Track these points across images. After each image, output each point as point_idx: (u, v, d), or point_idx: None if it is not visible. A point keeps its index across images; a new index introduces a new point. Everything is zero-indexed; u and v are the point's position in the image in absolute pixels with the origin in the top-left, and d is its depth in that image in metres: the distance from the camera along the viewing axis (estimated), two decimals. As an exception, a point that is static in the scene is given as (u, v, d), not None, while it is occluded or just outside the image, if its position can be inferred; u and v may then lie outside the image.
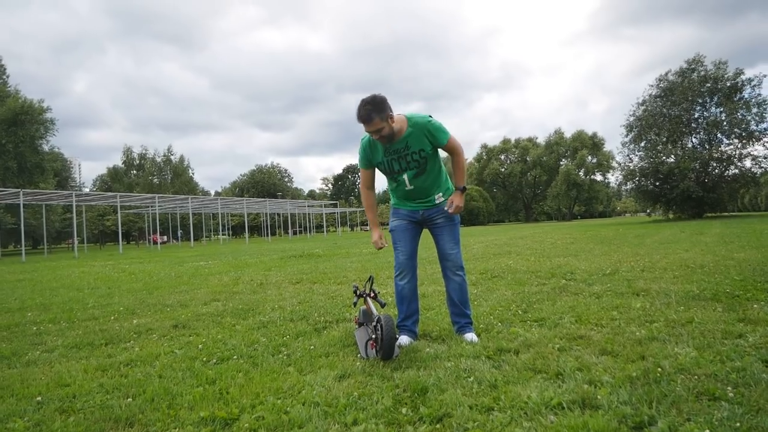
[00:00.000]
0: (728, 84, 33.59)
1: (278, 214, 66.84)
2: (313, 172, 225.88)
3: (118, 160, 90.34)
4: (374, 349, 3.00)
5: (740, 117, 32.93)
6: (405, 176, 3.39)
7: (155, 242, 42.34)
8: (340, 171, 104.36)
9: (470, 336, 3.35)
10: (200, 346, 3.62)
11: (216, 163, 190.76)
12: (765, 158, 32.89)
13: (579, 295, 4.83)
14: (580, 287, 5.31)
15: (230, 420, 2.22)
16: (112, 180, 69.73)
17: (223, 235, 59.86)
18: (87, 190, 66.09)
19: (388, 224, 3.72)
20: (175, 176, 71.79)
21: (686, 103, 34.58)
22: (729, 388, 2.22)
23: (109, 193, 36.76)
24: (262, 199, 49.77)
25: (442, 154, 3.48)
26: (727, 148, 34.10)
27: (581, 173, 73.67)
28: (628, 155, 37.86)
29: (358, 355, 3.11)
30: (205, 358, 3.26)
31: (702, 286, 4.90)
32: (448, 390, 2.41)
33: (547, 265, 7.64)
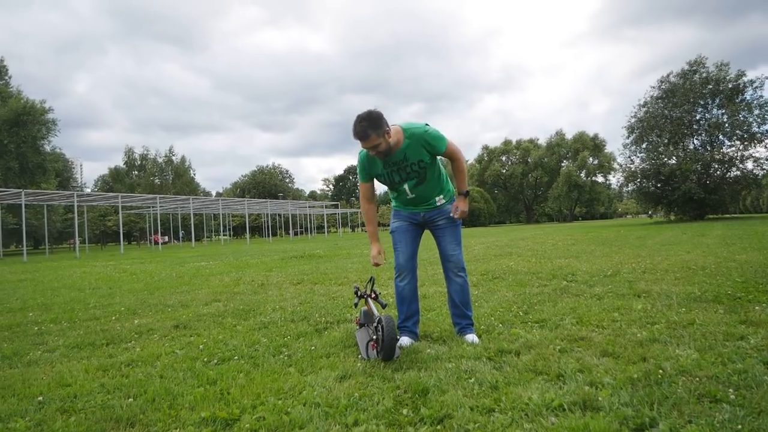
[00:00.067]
0: (730, 86, 33.56)
1: (279, 215, 66.86)
2: (314, 172, 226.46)
3: (119, 161, 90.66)
4: (375, 350, 3.00)
5: (742, 119, 32.90)
6: (406, 186, 3.39)
7: (156, 242, 42.39)
8: (341, 172, 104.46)
9: (471, 337, 3.35)
10: (201, 346, 3.62)
11: (217, 164, 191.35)
12: (767, 160, 32.85)
13: (580, 297, 4.82)
14: (582, 289, 5.31)
15: (231, 420, 2.22)
16: (114, 180, 69.85)
17: (224, 235, 59.89)
18: (88, 190, 66.22)
19: (388, 225, 3.72)
20: (176, 177, 71.89)
21: (688, 105, 34.56)
22: (730, 390, 2.22)
23: (111, 194, 36.83)
24: (263, 200, 49.81)
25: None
26: (728, 150, 34.07)
27: (582, 175, 73.72)
28: (629, 157, 37.86)
29: (359, 356, 3.11)
30: (206, 359, 3.26)
31: (703, 287, 4.89)
32: (449, 391, 2.41)
33: (548, 267, 7.64)
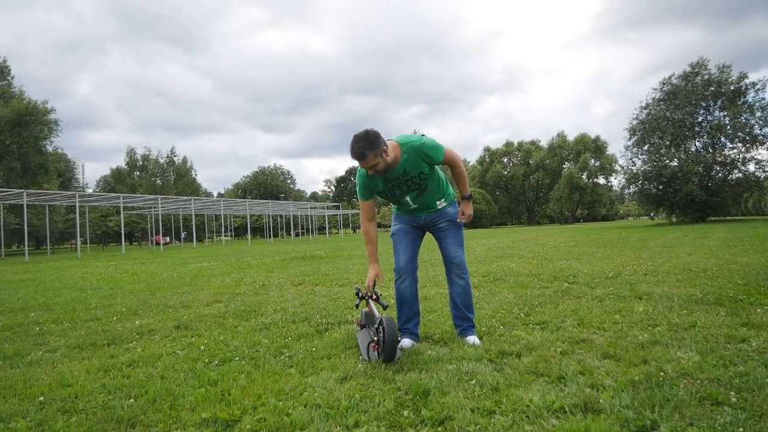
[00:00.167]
0: (732, 88, 33.54)
1: (281, 216, 66.86)
2: (315, 173, 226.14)
3: (121, 161, 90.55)
4: (376, 352, 3.00)
5: (744, 121, 32.89)
6: (408, 198, 3.39)
7: (158, 243, 42.42)
8: (343, 173, 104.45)
9: (472, 339, 3.35)
10: (202, 347, 3.62)
11: (219, 165, 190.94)
12: (768, 162, 32.83)
13: (581, 299, 4.82)
14: (583, 290, 5.30)
15: (232, 421, 2.22)
16: (116, 181, 69.97)
17: (225, 236, 59.92)
18: (90, 190, 66.35)
19: (389, 226, 3.72)
20: (178, 177, 72.01)
21: (690, 107, 34.54)
22: (732, 392, 2.22)
23: (113, 194, 36.84)
24: (265, 201, 49.83)
25: None
26: (730, 152, 34.06)
27: (584, 176, 73.70)
28: (631, 159, 37.86)
29: (360, 357, 3.11)
30: (207, 360, 3.26)
31: (705, 290, 4.89)
32: (450, 393, 2.41)
33: (550, 269, 7.63)
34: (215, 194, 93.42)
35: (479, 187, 76.30)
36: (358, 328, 3.61)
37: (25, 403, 2.58)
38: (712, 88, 34.17)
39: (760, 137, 32.51)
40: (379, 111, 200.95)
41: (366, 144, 2.99)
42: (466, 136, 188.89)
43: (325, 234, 63.27)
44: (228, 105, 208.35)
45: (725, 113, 33.96)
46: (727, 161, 33.76)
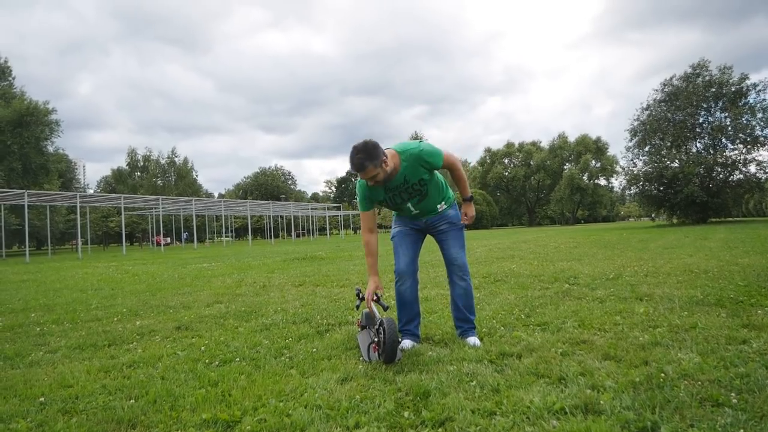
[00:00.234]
0: (733, 89, 33.54)
1: (281, 217, 66.93)
2: (316, 174, 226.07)
3: (122, 162, 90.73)
4: (377, 353, 3.00)
5: (745, 122, 32.87)
6: (409, 204, 3.39)
7: (158, 244, 42.44)
8: (344, 174, 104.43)
9: (473, 340, 3.35)
10: (203, 348, 3.62)
11: (220, 165, 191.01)
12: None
13: (582, 300, 4.82)
14: (584, 292, 5.30)
15: (232, 422, 2.22)
16: (117, 181, 70.07)
17: (226, 237, 59.94)
18: (91, 191, 66.45)
19: (389, 227, 3.72)
20: (178, 178, 72.12)
21: (691, 108, 34.53)
22: (733, 394, 2.22)
23: (113, 195, 36.86)
24: (266, 202, 49.86)
25: None
26: (731, 153, 34.04)
27: (585, 177, 73.70)
28: (632, 160, 37.86)
29: (361, 358, 3.11)
30: (207, 360, 3.26)
31: (706, 291, 4.88)
32: (451, 394, 2.41)
33: (551, 270, 7.63)
34: (216, 195, 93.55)
35: (480, 188, 76.31)
36: (359, 329, 3.62)
37: (26, 404, 2.58)
38: (713, 90, 34.16)
39: (761, 138, 32.52)
40: (380, 112, 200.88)
41: (365, 155, 2.98)
42: (467, 137, 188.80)
43: (326, 235, 63.27)
44: (229, 106, 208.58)
45: (726, 114, 33.96)
46: (728, 162, 33.75)
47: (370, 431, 2.07)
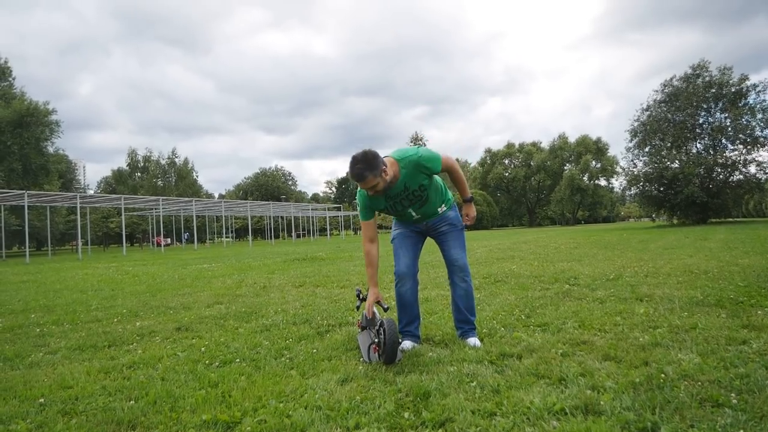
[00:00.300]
0: (733, 90, 33.54)
1: (282, 217, 66.89)
2: (316, 175, 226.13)
3: (122, 163, 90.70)
4: (377, 353, 3.00)
5: (745, 123, 32.88)
6: (410, 210, 3.39)
7: (159, 244, 42.44)
8: (344, 174, 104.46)
9: (473, 341, 3.35)
10: (203, 348, 3.62)
11: (220, 166, 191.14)
12: (770, 164, 32.81)
13: (582, 300, 4.82)
14: (584, 292, 5.30)
15: (232, 423, 2.22)
16: (117, 182, 70.07)
17: (226, 237, 59.96)
18: (91, 192, 66.49)
19: (389, 228, 3.72)
20: (179, 179, 72.09)
21: (691, 109, 34.53)
22: (733, 394, 2.22)
23: (114, 195, 36.86)
24: (266, 202, 49.87)
25: None
26: (731, 154, 34.02)
27: (585, 178, 73.67)
28: (632, 160, 37.83)
29: (361, 359, 3.11)
30: (207, 361, 3.26)
31: (706, 291, 4.88)
32: (451, 395, 2.41)
33: (551, 270, 7.63)
34: (216, 195, 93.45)
35: (480, 188, 76.31)
36: (359, 330, 3.61)
37: (26, 405, 2.58)
38: (713, 90, 34.15)
39: (761, 139, 32.50)
40: (381, 112, 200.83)
41: (365, 165, 2.97)
42: (468, 137, 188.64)
43: (326, 235, 63.26)
44: (229, 106, 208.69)
45: (726, 115, 33.96)
46: (728, 163, 33.74)
47: (370, 432, 2.07)
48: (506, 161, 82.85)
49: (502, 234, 34.53)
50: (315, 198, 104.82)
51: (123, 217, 35.70)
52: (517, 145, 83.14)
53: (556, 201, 76.72)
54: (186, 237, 51.96)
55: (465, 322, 3.48)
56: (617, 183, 59.96)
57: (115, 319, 5.09)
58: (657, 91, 37.08)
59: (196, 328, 4.46)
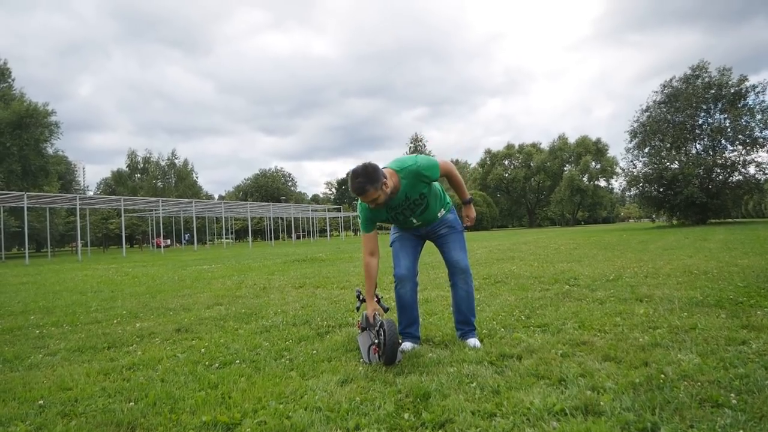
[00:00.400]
0: (732, 90, 33.58)
1: (282, 218, 66.92)
2: (316, 176, 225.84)
3: (122, 164, 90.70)
4: (377, 354, 3.00)
5: (744, 123, 32.92)
6: (412, 218, 3.40)
7: (158, 246, 42.43)
8: (344, 175, 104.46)
9: (473, 341, 3.35)
10: (203, 350, 3.62)
11: (220, 167, 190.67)
12: (769, 165, 32.84)
13: (582, 301, 4.82)
14: (584, 293, 5.30)
15: (232, 424, 2.22)
16: (116, 183, 70.10)
17: (226, 238, 59.95)
18: (91, 193, 66.42)
19: (388, 230, 3.72)
20: (179, 180, 72.10)
21: (690, 110, 34.56)
22: (732, 395, 2.22)
23: (113, 197, 36.84)
24: (266, 203, 49.88)
25: None
26: (731, 155, 34.06)
27: (585, 179, 73.70)
28: (631, 161, 37.89)
29: (361, 360, 3.10)
30: (207, 363, 3.26)
31: (705, 292, 4.89)
32: (451, 395, 2.41)
33: (551, 271, 7.63)
34: (216, 197, 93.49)
35: (480, 189, 76.35)
36: (359, 331, 3.61)
37: (25, 407, 2.58)
38: (713, 91, 34.19)
39: (761, 140, 32.52)
40: (381, 113, 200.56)
41: (366, 179, 2.96)
42: (468, 138, 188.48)
43: (326, 236, 63.26)
44: (229, 107, 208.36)
45: (725, 116, 33.98)
46: (728, 164, 33.78)
47: (370, 433, 2.07)
48: (506, 162, 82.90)
49: (502, 235, 34.53)
50: (315, 199, 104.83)
51: (123, 218, 35.72)
52: (516, 146, 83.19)
53: (556, 202, 76.77)
54: (187, 238, 51.96)
55: (465, 323, 3.48)
56: (617, 184, 60.10)
57: (115, 321, 5.08)
58: (657, 92, 37.19)
59: (195, 329, 4.46)
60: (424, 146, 79.73)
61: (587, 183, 73.62)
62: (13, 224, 37.63)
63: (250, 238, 45.50)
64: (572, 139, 78.49)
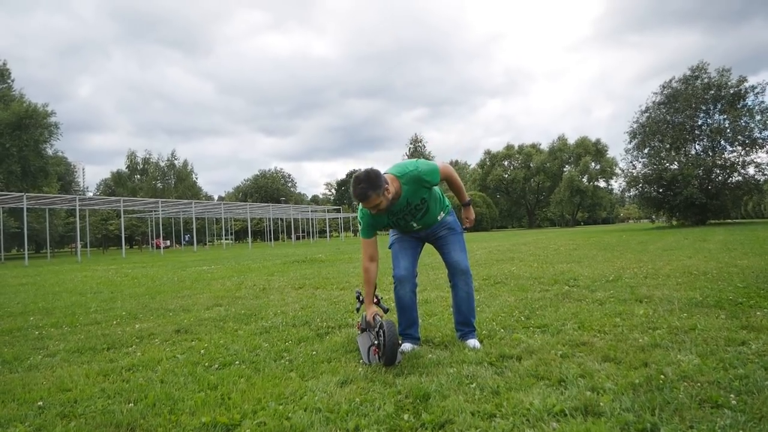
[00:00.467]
0: (731, 91, 33.61)
1: (281, 219, 66.93)
2: (316, 177, 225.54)
3: (122, 165, 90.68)
4: (377, 356, 3.00)
5: (743, 124, 32.94)
6: (413, 223, 3.40)
7: (158, 247, 42.43)
8: (344, 176, 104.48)
9: (473, 342, 3.35)
10: (202, 351, 3.62)
11: (220, 168, 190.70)
12: (768, 165, 32.88)
13: (582, 302, 4.82)
14: (583, 294, 5.30)
15: (232, 426, 2.22)
16: (116, 184, 70.14)
17: (226, 239, 59.94)
18: (90, 194, 66.42)
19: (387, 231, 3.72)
20: (178, 181, 72.14)
21: (690, 110, 34.57)
22: (732, 395, 2.22)
23: (113, 198, 36.89)
24: (266, 204, 49.86)
25: None
26: (730, 156, 34.09)
27: (585, 179, 73.71)
28: (631, 162, 37.88)
29: (361, 361, 3.10)
30: (207, 363, 3.26)
31: (705, 293, 4.89)
32: (451, 396, 2.41)
33: (550, 272, 7.63)
34: (216, 197, 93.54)
35: (480, 190, 76.34)
36: (359, 332, 3.61)
37: (24, 408, 2.57)
38: (712, 92, 34.22)
39: (760, 140, 32.55)
40: (381, 114, 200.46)
41: (368, 185, 2.96)
42: (467, 139, 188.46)
43: (326, 237, 63.26)
44: (229, 108, 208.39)
45: (725, 116, 34.00)
46: (727, 164, 33.80)
47: (370, 434, 2.07)
48: (506, 163, 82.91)
49: (502, 235, 34.54)
50: (314, 200, 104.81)
51: (122, 219, 35.71)
52: (516, 147, 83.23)
53: (556, 202, 76.77)
54: (187, 239, 51.96)
55: (465, 324, 3.48)
56: (616, 184, 60.20)
57: (114, 322, 5.08)
58: (656, 92, 37.21)
59: (195, 330, 4.46)
60: (424, 147, 79.85)
61: (587, 184, 73.63)
62: (12, 225, 37.63)
63: (249, 239, 45.49)
64: (572, 140, 78.60)
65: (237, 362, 3.24)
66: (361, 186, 2.97)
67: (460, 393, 2.45)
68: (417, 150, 78.43)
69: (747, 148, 33.10)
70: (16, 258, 36.89)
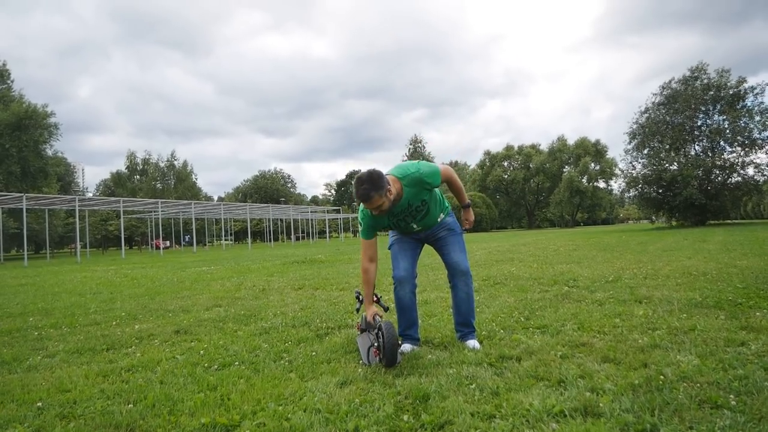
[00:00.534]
0: (731, 92, 33.64)
1: (281, 220, 66.93)
2: (316, 177, 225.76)
3: (121, 165, 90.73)
4: (377, 357, 3.00)
5: (743, 125, 32.97)
6: (413, 224, 3.40)
7: (158, 247, 42.41)
8: (343, 177, 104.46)
9: (472, 343, 3.34)
10: (202, 351, 3.62)
11: (219, 169, 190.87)
12: (767, 166, 32.91)
13: (581, 303, 4.82)
14: (583, 294, 5.30)
15: (231, 426, 2.22)
16: (116, 185, 70.13)
17: (225, 240, 59.90)
18: (90, 194, 66.31)
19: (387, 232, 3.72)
20: (178, 181, 72.10)
21: (689, 111, 34.60)
22: (731, 396, 2.22)
23: (112, 198, 36.88)
24: (265, 205, 49.85)
25: None
26: (729, 156, 34.13)
27: (584, 180, 73.71)
28: (631, 162, 37.92)
29: (360, 362, 3.10)
30: (206, 364, 3.26)
31: (704, 293, 4.89)
32: (450, 397, 2.41)
33: (550, 272, 7.63)
34: (215, 198, 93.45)
35: (479, 190, 76.35)
36: (359, 333, 3.61)
37: (23, 409, 2.57)
38: (712, 93, 34.25)
39: (759, 141, 32.58)
40: (380, 115, 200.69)
41: (371, 186, 2.97)
42: (467, 140, 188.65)
43: (326, 238, 63.23)
44: (229, 109, 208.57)
45: (724, 117, 34.02)
46: (727, 165, 33.83)
47: (369, 435, 2.07)
48: (505, 163, 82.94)
49: (502, 236, 34.53)
50: (314, 200, 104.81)
51: (122, 219, 35.69)
52: (516, 148, 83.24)
53: (555, 203, 76.75)
54: (186, 239, 51.93)
55: (465, 325, 3.48)
56: (616, 185, 60.20)
57: (114, 322, 5.08)
58: (656, 93, 37.27)
59: (194, 331, 4.45)
60: (424, 148, 79.82)
61: (586, 184, 73.62)
62: (12, 226, 37.63)
63: (249, 240, 45.47)
64: (571, 141, 78.57)
65: (236, 363, 3.24)
66: (364, 187, 2.98)
67: (459, 394, 2.45)
68: (417, 151, 78.43)
69: (746, 149, 33.14)
70: (15, 258, 36.87)
